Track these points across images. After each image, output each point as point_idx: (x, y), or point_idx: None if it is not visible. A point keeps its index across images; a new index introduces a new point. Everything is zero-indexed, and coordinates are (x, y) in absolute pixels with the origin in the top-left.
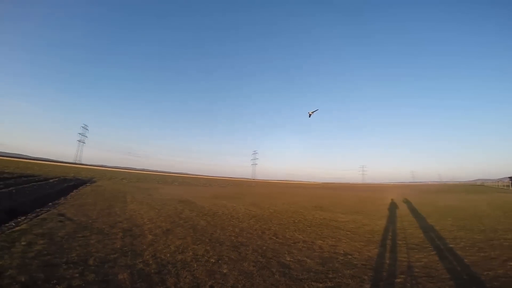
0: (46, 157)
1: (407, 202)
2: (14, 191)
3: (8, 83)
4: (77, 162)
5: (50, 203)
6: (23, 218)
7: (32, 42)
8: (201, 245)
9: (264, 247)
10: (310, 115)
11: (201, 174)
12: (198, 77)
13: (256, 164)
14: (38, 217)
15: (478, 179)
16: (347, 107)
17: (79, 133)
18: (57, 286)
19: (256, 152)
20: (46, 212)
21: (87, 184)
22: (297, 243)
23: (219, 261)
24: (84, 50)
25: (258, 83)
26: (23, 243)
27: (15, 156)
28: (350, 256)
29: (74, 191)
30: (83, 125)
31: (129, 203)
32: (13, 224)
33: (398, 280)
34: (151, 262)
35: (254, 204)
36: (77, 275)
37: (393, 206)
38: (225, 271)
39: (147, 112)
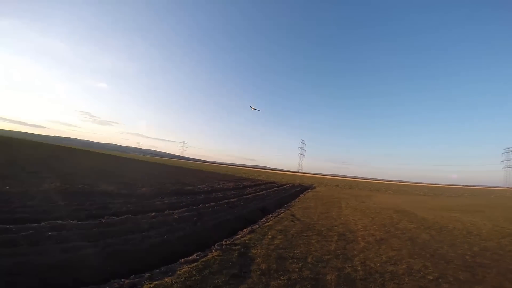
0: (280, 168)
1: None
2: (265, 194)
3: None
4: (299, 170)
5: (285, 205)
6: (269, 216)
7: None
8: (419, 259)
9: None
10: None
11: (420, 181)
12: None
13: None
14: (278, 216)
15: None
16: None
17: (299, 147)
18: (281, 277)
19: (511, 149)
20: (283, 212)
21: (309, 190)
22: None
23: (439, 279)
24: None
25: None
26: (269, 236)
27: (263, 168)
28: None
29: (300, 195)
30: (301, 140)
31: (343, 208)
32: (265, 220)
33: None
34: (359, 268)
35: (510, 219)
36: (296, 269)
37: None
38: None
39: (358, 123)
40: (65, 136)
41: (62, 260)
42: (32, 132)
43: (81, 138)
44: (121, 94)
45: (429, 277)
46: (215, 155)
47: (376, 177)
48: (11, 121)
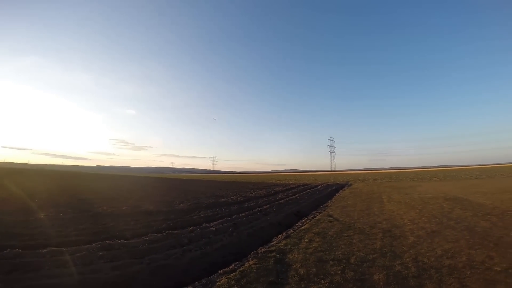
0: (311, 169)
1: None
2: (298, 197)
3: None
4: (332, 169)
5: (321, 206)
6: (305, 219)
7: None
8: (481, 250)
9: None
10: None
11: (470, 164)
12: None
13: None
14: (314, 218)
15: None
16: None
17: (328, 145)
18: (322, 281)
19: None
20: (319, 214)
21: (345, 188)
22: None
23: (510, 270)
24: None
25: None
26: (306, 240)
27: (292, 171)
28: None
29: (336, 194)
30: (330, 137)
31: (386, 203)
32: (300, 224)
33: None
34: (410, 265)
35: None
36: (339, 272)
37: None
38: None
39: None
40: (106, 165)
41: (114, 276)
42: (77, 164)
43: (120, 165)
44: (149, 119)
45: (496, 268)
46: (245, 165)
47: (418, 165)
48: (58, 155)
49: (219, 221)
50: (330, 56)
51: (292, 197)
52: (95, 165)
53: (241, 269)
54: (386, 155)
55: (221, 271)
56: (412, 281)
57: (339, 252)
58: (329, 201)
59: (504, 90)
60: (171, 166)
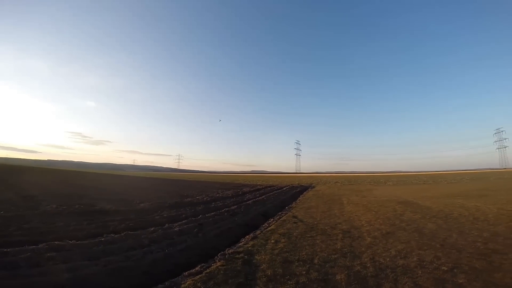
0: (278, 171)
1: None
2: (265, 198)
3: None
4: (297, 171)
5: (286, 207)
6: (271, 220)
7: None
8: (429, 250)
9: None
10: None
11: (419, 170)
12: None
13: (505, 147)
14: (280, 219)
15: None
16: None
17: (295, 148)
18: (288, 281)
19: (502, 130)
20: (285, 215)
21: (309, 190)
22: None
23: (454, 270)
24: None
25: None
26: (272, 241)
27: (261, 172)
28: None
29: (301, 196)
30: (296, 141)
31: (345, 205)
32: (267, 225)
33: None
34: (368, 265)
35: None
36: (304, 272)
37: None
38: (461, 281)
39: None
40: (59, 159)
41: (65, 279)
42: (25, 157)
43: (75, 160)
44: (111, 112)
45: (443, 268)
46: (212, 165)
47: (376, 170)
48: (2, 147)
49: (184, 221)
50: (302, 52)
51: (259, 198)
52: (46, 159)
53: (208, 270)
54: (348, 159)
55: (186, 273)
56: (370, 280)
57: (304, 253)
58: (294, 202)
59: (451, 101)
60: (133, 163)
